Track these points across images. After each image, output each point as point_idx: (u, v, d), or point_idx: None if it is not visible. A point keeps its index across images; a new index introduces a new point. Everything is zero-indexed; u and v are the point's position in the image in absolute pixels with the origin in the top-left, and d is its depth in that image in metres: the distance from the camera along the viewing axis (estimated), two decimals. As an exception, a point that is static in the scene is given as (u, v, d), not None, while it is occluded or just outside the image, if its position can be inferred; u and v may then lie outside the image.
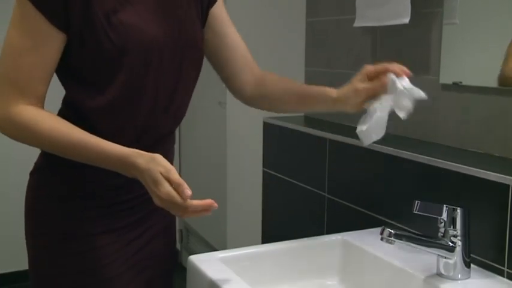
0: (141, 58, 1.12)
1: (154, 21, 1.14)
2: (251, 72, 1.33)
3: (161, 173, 1.01)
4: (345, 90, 1.19)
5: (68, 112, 1.17)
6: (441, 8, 1.46)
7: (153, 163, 1.03)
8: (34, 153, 1.26)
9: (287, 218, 1.89)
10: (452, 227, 1.13)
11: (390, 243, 1.09)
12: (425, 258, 1.18)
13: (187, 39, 1.20)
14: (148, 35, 1.12)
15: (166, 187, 1.01)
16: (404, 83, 1.10)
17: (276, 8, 2.33)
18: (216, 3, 1.28)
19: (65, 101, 1.20)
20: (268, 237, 2.01)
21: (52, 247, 1.21)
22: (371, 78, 1.15)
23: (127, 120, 1.17)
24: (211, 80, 1.53)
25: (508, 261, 1.14)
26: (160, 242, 1.31)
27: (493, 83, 1.34)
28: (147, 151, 1.06)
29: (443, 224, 1.15)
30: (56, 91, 1.21)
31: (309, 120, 1.92)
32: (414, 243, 1.11)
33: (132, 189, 1.21)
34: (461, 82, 1.41)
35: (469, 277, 1.15)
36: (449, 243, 1.13)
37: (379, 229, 1.10)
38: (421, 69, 1.53)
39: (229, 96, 1.43)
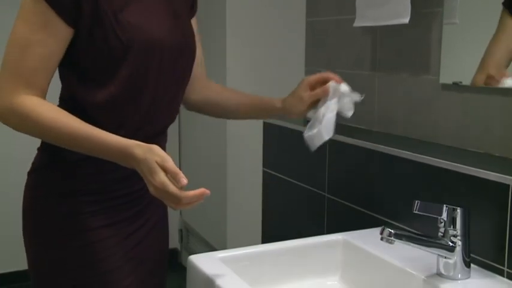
0: (145, 56, 1.15)
1: (160, 21, 1.18)
2: (200, 79, 1.38)
3: (157, 162, 1.03)
4: (289, 99, 1.31)
5: (65, 109, 1.17)
6: (441, 8, 1.46)
7: (150, 153, 1.04)
8: (34, 153, 1.26)
9: (287, 218, 1.89)
10: (452, 226, 1.13)
11: (390, 243, 1.09)
12: (425, 258, 1.17)
13: (187, 40, 1.25)
14: (153, 34, 1.15)
15: (162, 176, 1.02)
16: (345, 87, 1.25)
17: (276, 8, 2.32)
18: (195, 15, 1.35)
19: (63, 97, 1.22)
20: (268, 237, 2.01)
21: (51, 245, 1.22)
22: (312, 87, 1.28)
23: (125, 117, 1.18)
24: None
25: (508, 261, 1.14)
26: (158, 233, 1.33)
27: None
28: None
29: (443, 223, 1.15)
30: (55, 90, 1.21)
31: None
32: (414, 243, 1.11)
33: (130, 183, 1.23)
34: (461, 82, 1.41)
35: (469, 277, 1.15)
36: (449, 243, 1.13)
37: (379, 229, 1.10)
38: (421, 69, 1.53)
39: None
